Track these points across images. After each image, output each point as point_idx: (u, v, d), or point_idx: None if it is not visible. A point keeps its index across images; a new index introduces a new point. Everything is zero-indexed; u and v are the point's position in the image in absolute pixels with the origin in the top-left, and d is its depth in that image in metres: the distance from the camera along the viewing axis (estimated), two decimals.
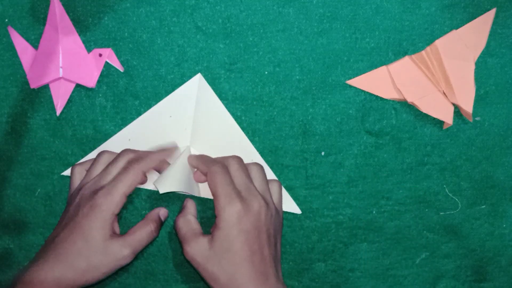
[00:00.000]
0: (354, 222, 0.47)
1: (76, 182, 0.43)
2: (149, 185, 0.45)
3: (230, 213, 0.38)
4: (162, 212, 0.44)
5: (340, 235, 0.47)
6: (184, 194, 0.45)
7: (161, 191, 0.41)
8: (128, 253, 0.39)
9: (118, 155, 0.42)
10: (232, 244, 0.38)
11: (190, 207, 0.43)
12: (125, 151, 0.43)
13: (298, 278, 0.47)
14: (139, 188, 0.46)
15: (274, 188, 0.43)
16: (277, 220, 0.41)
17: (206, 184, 0.43)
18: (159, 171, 0.43)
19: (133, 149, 0.44)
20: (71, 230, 0.38)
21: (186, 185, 0.43)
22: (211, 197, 0.44)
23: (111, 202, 0.39)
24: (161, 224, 0.43)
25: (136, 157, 0.42)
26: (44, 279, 0.37)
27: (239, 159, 0.42)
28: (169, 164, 0.43)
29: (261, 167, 0.43)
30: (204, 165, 0.42)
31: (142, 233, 0.41)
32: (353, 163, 0.46)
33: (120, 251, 0.39)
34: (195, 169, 0.44)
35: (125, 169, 0.41)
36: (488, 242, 0.47)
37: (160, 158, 0.42)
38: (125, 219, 0.46)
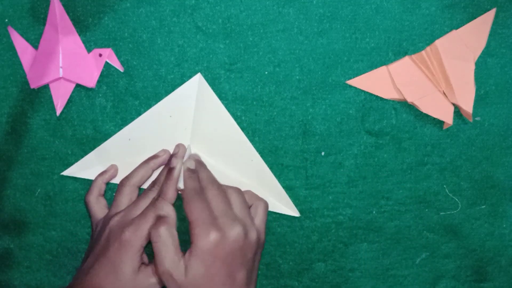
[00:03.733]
0: (354, 222, 0.47)
1: (97, 211, 0.44)
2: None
3: (205, 242, 0.38)
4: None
5: (340, 235, 0.47)
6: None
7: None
8: (155, 281, 0.40)
9: (147, 190, 0.43)
10: (206, 271, 0.38)
11: (174, 216, 0.42)
12: (153, 185, 0.43)
13: (298, 278, 0.47)
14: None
15: (259, 208, 0.43)
16: (255, 245, 0.41)
17: None
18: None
19: (158, 180, 0.43)
20: (103, 263, 0.40)
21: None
22: None
23: (140, 237, 0.40)
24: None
25: (165, 196, 0.42)
26: None
27: (216, 185, 0.42)
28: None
29: (239, 190, 0.42)
30: (185, 188, 0.42)
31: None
32: (353, 163, 0.46)
33: (148, 280, 0.40)
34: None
35: (152, 204, 0.41)
36: (488, 242, 0.47)
37: (176, 181, 0.43)
38: None
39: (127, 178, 0.44)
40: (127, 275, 0.39)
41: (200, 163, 0.44)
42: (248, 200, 0.43)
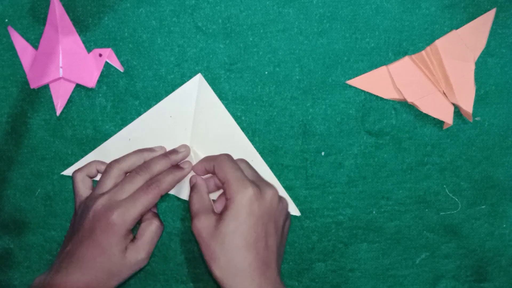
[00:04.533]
0: (354, 222, 0.47)
1: (81, 190, 0.43)
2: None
3: (243, 196, 0.38)
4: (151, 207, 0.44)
5: (340, 235, 0.47)
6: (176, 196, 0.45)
7: None
8: (144, 257, 0.41)
9: (134, 173, 0.42)
10: (239, 226, 0.38)
11: (202, 184, 0.42)
12: (141, 169, 0.42)
13: (298, 278, 0.47)
14: None
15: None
16: (287, 213, 0.42)
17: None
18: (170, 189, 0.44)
19: (147, 164, 0.43)
20: (90, 245, 0.40)
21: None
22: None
23: (127, 220, 0.40)
24: (158, 215, 0.44)
25: (152, 178, 0.42)
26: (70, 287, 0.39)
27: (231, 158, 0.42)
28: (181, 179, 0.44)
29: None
30: (208, 162, 0.42)
31: (151, 232, 0.42)
32: (353, 163, 0.46)
33: (136, 257, 0.40)
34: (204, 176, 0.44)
35: (142, 189, 0.41)
36: (488, 242, 0.47)
37: (173, 178, 0.43)
38: None
39: (116, 161, 0.43)
40: (116, 255, 0.39)
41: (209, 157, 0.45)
42: None
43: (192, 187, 0.42)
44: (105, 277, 0.39)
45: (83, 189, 0.43)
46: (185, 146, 0.45)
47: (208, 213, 0.39)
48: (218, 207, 0.41)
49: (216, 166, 0.41)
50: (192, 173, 0.44)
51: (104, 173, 0.43)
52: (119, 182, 0.42)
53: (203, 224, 0.39)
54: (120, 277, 0.40)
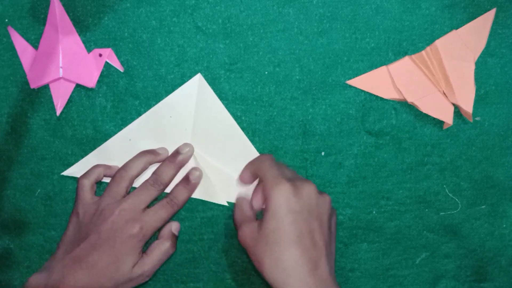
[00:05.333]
0: (354, 222, 0.47)
1: (87, 195, 0.43)
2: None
3: (278, 193, 0.37)
4: (174, 227, 0.44)
5: (340, 235, 0.47)
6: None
7: None
8: (148, 273, 0.42)
9: (149, 185, 0.43)
10: (280, 224, 0.37)
11: (243, 198, 0.42)
12: (154, 181, 0.43)
13: None
14: None
15: None
16: (330, 207, 0.40)
17: (201, 185, 0.45)
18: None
19: (159, 178, 0.43)
20: (105, 253, 0.40)
21: (169, 185, 0.45)
22: (207, 198, 0.46)
23: (149, 234, 0.41)
24: (176, 238, 0.44)
25: (171, 195, 0.44)
26: None
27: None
28: None
29: None
30: (250, 165, 0.43)
31: (160, 252, 0.42)
32: (353, 163, 0.46)
33: (142, 272, 0.41)
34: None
35: (164, 206, 0.43)
36: (488, 242, 0.47)
37: (191, 195, 0.45)
38: None
39: (125, 170, 0.43)
40: (127, 268, 0.40)
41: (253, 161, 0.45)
42: None
43: (235, 204, 0.43)
44: (110, 286, 0.40)
45: (89, 196, 0.43)
46: (187, 145, 0.45)
47: (249, 221, 0.39)
48: (255, 204, 0.41)
49: (256, 166, 0.42)
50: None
51: (114, 182, 0.43)
52: (134, 192, 0.42)
53: (245, 233, 0.39)
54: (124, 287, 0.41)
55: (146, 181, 0.43)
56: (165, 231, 0.44)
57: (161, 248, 0.42)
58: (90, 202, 0.43)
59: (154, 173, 0.44)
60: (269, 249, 0.36)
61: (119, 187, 0.42)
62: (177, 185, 0.44)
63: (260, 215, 0.40)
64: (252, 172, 0.43)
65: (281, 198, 0.37)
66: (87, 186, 0.43)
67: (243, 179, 0.43)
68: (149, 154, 0.44)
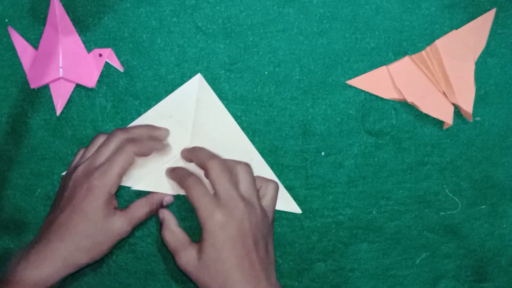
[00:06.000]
0: (354, 222, 0.47)
1: (73, 163, 0.44)
2: (149, 187, 0.45)
3: (212, 224, 0.38)
4: (167, 199, 0.44)
5: (340, 235, 0.47)
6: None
7: (133, 187, 0.44)
8: (128, 228, 0.41)
9: (110, 136, 0.42)
10: (219, 253, 0.38)
11: (171, 218, 0.43)
12: (116, 131, 0.43)
13: (298, 278, 0.47)
14: (140, 190, 0.46)
15: (269, 189, 0.43)
16: (265, 223, 0.41)
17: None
18: (147, 154, 0.44)
19: (125, 128, 0.43)
20: (72, 212, 0.40)
21: (169, 186, 0.45)
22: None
23: (107, 183, 0.40)
24: (160, 207, 0.44)
25: (128, 138, 0.42)
26: (51, 257, 0.39)
27: (220, 162, 0.41)
28: (159, 149, 0.44)
29: (248, 167, 0.42)
30: (179, 180, 0.42)
31: (141, 212, 0.42)
32: (353, 163, 0.46)
33: (121, 227, 0.41)
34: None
35: (118, 150, 0.41)
36: (488, 242, 0.47)
37: (152, 144, 0.43)
38: None
39: (104, 134, 0.43)
40: (99, 221, 0.40)
41: (193, 148, 0.44)
42: (258, 183, 0.43)
43: (161, 223, 0.43)
44: (87, 244, 0.39)
45: (75, 162, 0.44)
46: (166, 129, 0.45)
47: (185, 247, 0.40)
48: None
49: (185, 192, 0.41)
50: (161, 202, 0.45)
51: (90, 143, 0.43)
52: (97, 148, 0.42)
53: (184, 261, 0.40)
54: (103, 247, 0.40)
55: (108, 134, 0.43)
56: (155, 197, 0.43)
57: (144, 209, 0.42)
58: (69, 172, 0.43)
59: (124, 127, 0.43)
60: (213, 276, 0.38)
61: (91, 147, 0.43)
62: (140, 128, 0.44)
63: (191, 235, 0.41)
64: (176, 182, 0.43)
65: (216, 227, 0.38)
66: (79, 153, 0.44)
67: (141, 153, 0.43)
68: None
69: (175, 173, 0.44)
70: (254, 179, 0.42)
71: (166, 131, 0.45)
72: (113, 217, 0.40)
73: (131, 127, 0.44)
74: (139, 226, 0.45)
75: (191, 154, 0.44)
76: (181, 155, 0.45)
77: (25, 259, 0.39)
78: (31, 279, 0.38)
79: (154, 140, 0.44)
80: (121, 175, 0.41)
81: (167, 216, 0.43)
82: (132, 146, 0.41)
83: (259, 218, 0.40)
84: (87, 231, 0.39)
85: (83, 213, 0.39)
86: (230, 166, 0.41)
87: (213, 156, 0.42)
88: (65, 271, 0.39)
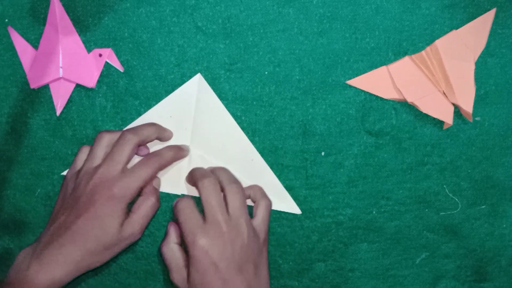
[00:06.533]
0: (354, 222, 0.47)
1: (80, 161, 0.43)
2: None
3: (196, 249, 0.39)
4: (155, 182, 0.44)
5: (340, 235, 0.47)
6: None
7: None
8: (138, 231, 0.41)
9: (121, 140, 0.42)
10: (203, 278, 0.39)
11: (172, 233, 0.43)
12: (126, 133, 0.42)
13: (298, 278, 0.47)
14: None
15: (260, 208, 0.43)
16: (252, 245, 0.41)
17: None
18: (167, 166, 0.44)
19: (133, 129, 0.43)
20: (88, 218, 0.40)
21: (169, 186, 0.45)
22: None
23: (128, 193, 0.40)
24: (158, 193, 0.44)
25: (154, 152, 0.43)
26: (63, 261, 0.39)
27: (211, 183, 0.41)
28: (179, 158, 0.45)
29: (239, 187, 0.42)
30: (175, 201, 0.43)
31: (146, 208, 0.42)
32: (353, 163, 0.46)
33: (131, 231, 0.41)
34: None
35: (144, 163, 0.42)
36: (488, 242, 0.47)
37: (174, 154, 0.44)
38: None
39: (106, 131, 0.43)
40: (113, 229, 0.40)
41: (191, 170, 0.45)
42: (253, 196, 0.44)
43: (165, 235, 0.43)
44: (99, 249, 0.40)
45: (80, 161, 0.43)
46: (171, 131, 0.46)
47: (179, 267, 0.41)
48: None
49: (174, 209, 0.42)
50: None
51: (94, 143, 0.43)
52: (110, 152, 0.42)
53: (176, 280, 0.41)
54: (114, 251, 0.41)
55: (119, 137, 0.42)
56: (148, 188, 0.43)
57: (147, 204, 0.42)
58: (76, 167, 0.43)
59: (133, 128, 0.43)
60: None
61: (98, 149, 0.42)
62: (164, 147, 0.44)
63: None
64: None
65: (199, 252, 0.39)
66: (83, 152, 0.44)
67: (166, 160, 0.44)
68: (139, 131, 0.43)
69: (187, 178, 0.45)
70: (244, 200, 0.42)
71: (171, 133, 0.45)
72: (127, 224, 0.41)
73: (139, 128, 0.43)
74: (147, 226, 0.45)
75: (190, 175, 0.44)
76: (186, 179, 0.45)
77: (36, 261, 0.39)
78: (43, 282, 0.38)
79: (174, 150, 0.44)
80: (141, 187, 0.41)
81: (171, 231, 0.43)
82: (157, 162, 0.42)
83: (245, 241, 0.40)
84: (100, 237, 0.40)
85: (101, 220, 0.40)
86: (221, 186, 0.42)
87: (205, 175, 0.42)
88: (75, 274, 0.40)
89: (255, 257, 0.41)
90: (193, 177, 0.43)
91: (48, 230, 0.41)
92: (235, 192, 0.41)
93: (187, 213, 0.41)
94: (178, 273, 0.41)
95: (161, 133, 0.44)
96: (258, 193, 0.44)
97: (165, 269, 0.46)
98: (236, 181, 0.42)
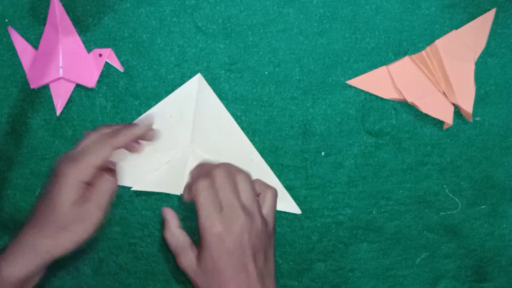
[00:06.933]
0: (354, 222, 0.47)
1: None
2: (149, 187, 0.45)
3: (211, 235, 0.39)
4: (116, 156, 0.43)
5: (340, 235, 0.47)
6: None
7: (134, 188, 0.45)
8: (95, 209, 0.39)
9: (91, 131, 0.41)
10: (216, 264, 0.39)
11: (171, 218, 0.43)
12: (101, 126, 0.42)
13: (298, 278, 0.47)
14: (139, 190, 0.46)
15: (267, 196, 0.43)
16: (264, 233, 0.41)
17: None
18: (130, 150, 0.43)
19: (110, 124, 0.43)
20: (42, 200, 0.39)
21: (169, 186, 0.45)
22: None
23: (76, 169, 0.39)
24: (116, 168, 0.43)
25: (110, 132, 0.41)
26: (19, 247, 0.38)
27: (225, 170, 0.41)
28: (139, 144, 0.44)
29: (248, 176, 0.42)
30: (192, 180, 0.42)
31: (102, 185, 0.40)
32: (353, 163, 0.46)
33: (88, 211, 0.39)
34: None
35: (97, 142, 0.40)
36: (488, 242, 0.47)
37: (134, 135, 0.41)
38: (125, 219, 0.46)
39: (91, 130, 0.42)
40: (64, 207, 0.38)
41: (199, 164, 0.44)
42: (257, 188, 0.43)
43: (164, 223, 0.43)
44: (57, 233, 0.38)
45: None
46: (154, 130, 0.44)
47: (186, 250, 0.41)
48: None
49: (192, 194, 0.40)
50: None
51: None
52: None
53: (184, 264, 0.40)
54: (75, 236, 0.38)
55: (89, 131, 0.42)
56: (106, 165, 0.42)
57: (103, 180, 0.40)
58: None
59: (107, 125, 0.43)
60: (210, 284, 0.39)
61: (77, 144, 0.41)
62: (123, 126, 0.42)
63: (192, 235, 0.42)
64: (191, 181, 0.43)
65: (215, 239, 0.39)
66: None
67: (119, 143, 0.41)
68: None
69: (192, 172, 0.44)
70: (254, 187, 0.42)
71: (154, 132, 0.43)
72: (83, 206, 0.39)
73: (114, 125, 0.42)
74: (140, 227, 0.45)
75: (198, 169, 0.44)
76: (191, 175, 0.44)
77: (1, 257, 0.38)
78: (9, 276, 0.37)
79: (128, 127, 0.42)
80: (94, 165, 0.39)
81: (170, 217, 0.43)
82: (109, 139, 0.40)
83: (259, 228, 0.40)
84: (55, 219, 0.38)
85: (51, 200, 0.38)
86: (233, 174, 0.41)
87: (216, 166, 0.41)
88: (37, 260, 0.38)
89: (266, 245, 0.41)
90: (207, 170, 0.42)
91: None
92: (246, 181, 0.41)
93: (206, 196, 0.39)
94: (185, 258, 0.40)
95: (134, 129, 0.42)
96: (261, 185, 0.43)
97: (166, 268, 0.46)
98: (244, 171, 0.42)
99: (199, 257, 0.40)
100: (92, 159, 0.39)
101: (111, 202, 0.40)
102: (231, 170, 0.41)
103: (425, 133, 0.46)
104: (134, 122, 0.45)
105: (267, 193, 0.43)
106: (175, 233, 0.42)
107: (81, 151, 0.40)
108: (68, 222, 0.38)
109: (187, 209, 0.46)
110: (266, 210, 0.42)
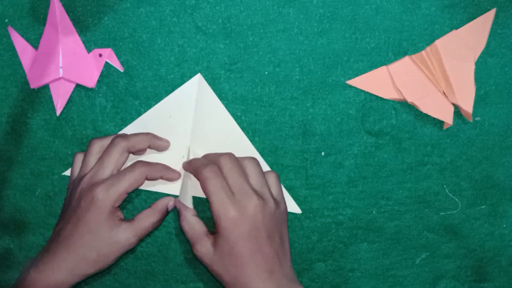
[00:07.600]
0: (354, 222, 0.47)
1: (76, 170, 0.44)
2: (148, 187, 0.45)
3: (225, 220, 0.39)
4: (170, 203, 0.44)
5: (340, 235, 0.47)
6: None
7: None
8: (134, 240, 0.41)
9: (111, 145, 0.42)
10: (233, 248, 0.39)
11: (187, 208, 0.43)
12: (116, 139, 0.42)
13: (298, 278, 0.47)
14: (139, 189, 0.45)
15: (271, 180, 0.43)
16: (277, 214, 0.41)
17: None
18: (156, 179, 0.44)
19: (125, 135, 0.43)
20: (76, 224, 0.40)
21: (169, 186, 0.45)
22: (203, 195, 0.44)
23: (112, 196, 0.40)
24: (167, 214, 0.44)
25: (129, 146, 0.42)
26: (58, 268, 0.39)
27: (231, 157, 0.42)
28: (170, 178, 0.44)
29: (256, 160, 0.43)
30: (195, 171, 0.42)
31: (148, 222, 0.42)
32: (353, 163, 0.46)
33: (127, 238, 0.41)
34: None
35: (130, 167, 0.41)
36: (488, 242, 0.47)
37: (165, 172, 0.43)
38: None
39: (98, 138, 0.43)
40: (103, 233, 0.40)
41: (204, 155, 0.45)
42: None
43: (179, 213, 0.43)
44: (93, 257, 0.40)
45: (78, 169, 0.43)
46: (167, 141, 0.45)
47: (202, 238, 0.41)
48: None
49: (200, 183, 0.41)
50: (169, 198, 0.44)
51: (86, 151, 0.43)
52: (100, 157, 0.42)
53: (201, 252, 0.41)
54: (108, 259, 0.40)
55: (110, 142, 0.42)
56: (160, 204, 0.43)
57: (150, 219, 0.42)
58: (74, 176, 0.43)
59: (124, 134, 0.43)
60: (227, 269, 0.40)
61: (90, 156, 0.42)
62: (157, 163, 0.43)
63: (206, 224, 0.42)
64: (193, 174, 0.43)
65: (230, 223, 0.39)
66: (76, 158, 0.44)
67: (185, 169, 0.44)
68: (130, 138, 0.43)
69: (191, 164, 0.43)
70: (262, 170, 0.42)
71: (167, 143, 0.45)
72: (118, 229, 0.40)
73: (131, 134, 0.43)
74: (145, 237, 0.45)
75: (190, 165, 0.44)
76: (182, 167, 0.45)
77: (34, 268, 0.39)
78: None
79: (167, 169, 0.44)
80: (127, 192, 0.41)
81: (185, 206, 0.43)
82: (145, 168, 0.41)
83: (272, 210, 0.41)
84: (91, 243, 0.40)
85: (86, 225, 0.40)
86: (239, 160, 0.42)
87: (221, 154, 0.42)
88: (72, 280, 0.40)
89: (280, 226, 0.41)
90: (212, 159, 0.42)
91: (49, 239, 0.42)
92: (253, 164, 0.42)
93: (216, 182, 0.40)
94: (202, 245, 0.41)
95: (155, 142, 0.44)
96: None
97: (166, 268, 0.46)
98: (250, 156, 0.43)
99: (215, 244, 0.40)
100: (128, 187, 0.41)
101: (149, 234, 0.43)
102: (235, 158, 0.42)
103: (425, 133, 0.46)
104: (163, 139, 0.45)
105: (270, 176, 0.43)
106: (191, 221, 0.42)
107: (116, 177, 0.41)
108: (106, 248, 0.40)
109: (196, 202, 0.46)
110: (274, 192, 0.42)
